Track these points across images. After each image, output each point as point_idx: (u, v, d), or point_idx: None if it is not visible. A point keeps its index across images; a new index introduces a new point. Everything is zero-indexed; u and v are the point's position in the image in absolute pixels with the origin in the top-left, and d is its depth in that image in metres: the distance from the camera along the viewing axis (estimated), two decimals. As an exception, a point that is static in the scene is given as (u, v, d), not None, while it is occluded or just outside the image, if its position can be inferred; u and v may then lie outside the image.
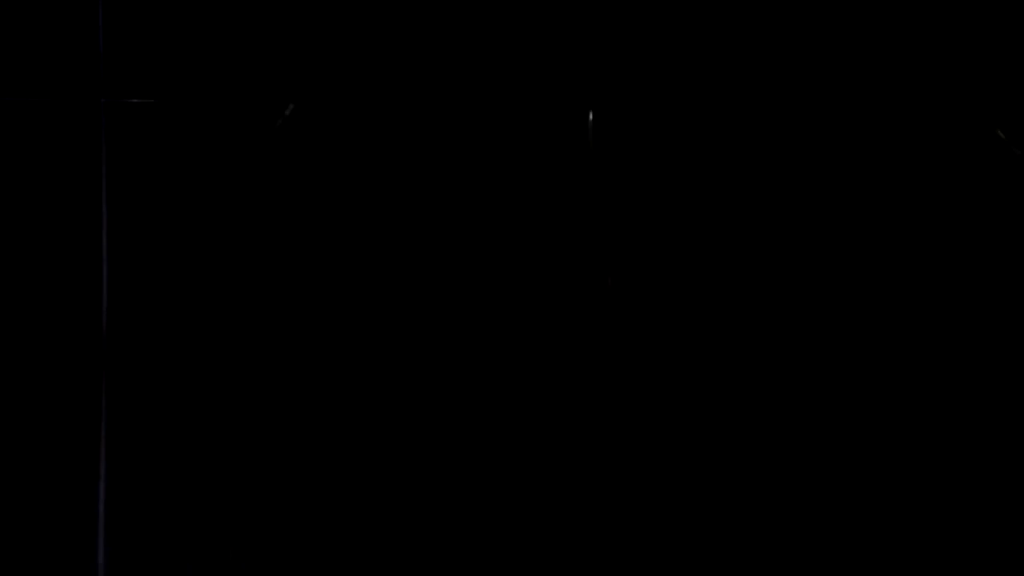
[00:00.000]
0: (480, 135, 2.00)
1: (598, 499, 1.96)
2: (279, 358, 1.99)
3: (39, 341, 1.96)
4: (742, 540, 1.95)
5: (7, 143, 1.96)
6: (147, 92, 1.99)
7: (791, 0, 1.96)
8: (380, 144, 1.99)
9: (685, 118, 1.99)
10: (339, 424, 1.99)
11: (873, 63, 1.97)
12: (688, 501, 1.96)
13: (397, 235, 1.99)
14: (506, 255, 1.99)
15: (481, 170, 2.00)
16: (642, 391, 1.97)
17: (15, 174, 1.96)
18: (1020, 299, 1.93)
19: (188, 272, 1.99)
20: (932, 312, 1.95)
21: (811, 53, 1.97)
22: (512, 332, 1.99)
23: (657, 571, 1.95)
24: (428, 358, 1.99)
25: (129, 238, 1.98)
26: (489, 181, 1.99)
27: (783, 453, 1.96)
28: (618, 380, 1.97)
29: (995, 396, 1.93)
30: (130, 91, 1.99)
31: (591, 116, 1.98)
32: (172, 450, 1.98)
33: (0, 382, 1.95)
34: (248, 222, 1.99)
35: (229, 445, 1.99)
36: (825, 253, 1.96)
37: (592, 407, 1.98)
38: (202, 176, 1.99)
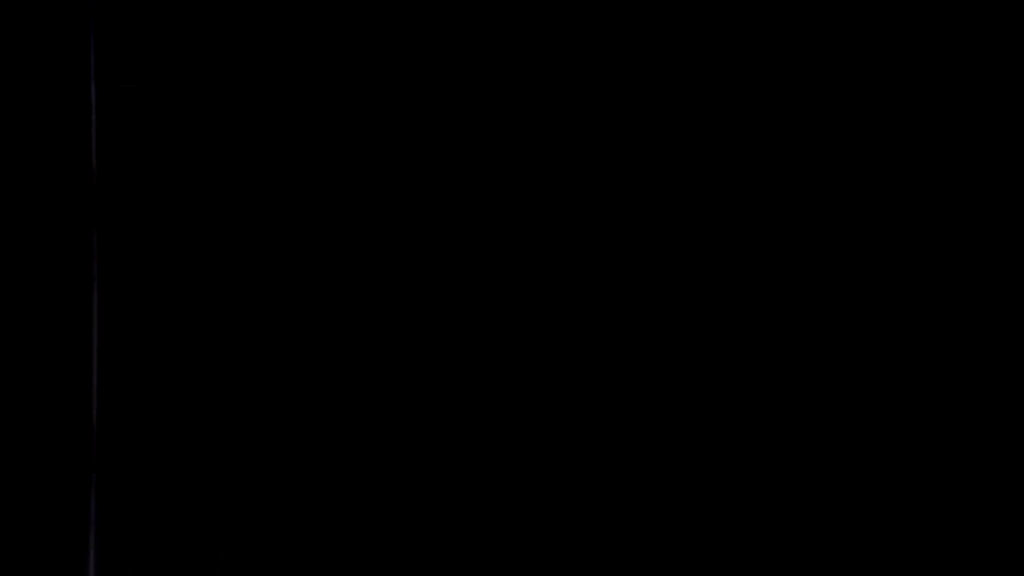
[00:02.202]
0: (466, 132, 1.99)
1: (590, 495, 1.97)
2: (276, 356, 1.97)
3: (28, 335, 1.93)
4: (739, 540, 1.96)
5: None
6: (138, 79, 1.97)
7: None
8: (351, 136, 1.98)
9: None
10: (332, 421, 1.98)
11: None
12: (676, 497, 1.96)
13: (391, 231, 1.98)
14: (501, 252, 1.99)
15: (474, 167, 1.99)
16: (637, 387, 1.97)
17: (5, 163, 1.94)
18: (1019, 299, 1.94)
19: (182, 267, 1.97)
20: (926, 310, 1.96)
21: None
22: (508, 329, 1.98)
23: (655, 571, 1.96)
24: (424, 354, 1.98)
25: (121, 231, 1.96)
26: (481, 179, 1.99)
27: (777, 448, 1.96)
28: (614, 376, 1.97)
29: (994, 396, 1.95)
30: (122, 78, 1.97)
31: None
32: (166, 449, 1.96)
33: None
34: (250, 214, 1.98)
35: (225, 444, 1.97)
36: (821, 249, 1.97)
37: (588, 404, 1.98)
38: (196, 166, 1.98)
